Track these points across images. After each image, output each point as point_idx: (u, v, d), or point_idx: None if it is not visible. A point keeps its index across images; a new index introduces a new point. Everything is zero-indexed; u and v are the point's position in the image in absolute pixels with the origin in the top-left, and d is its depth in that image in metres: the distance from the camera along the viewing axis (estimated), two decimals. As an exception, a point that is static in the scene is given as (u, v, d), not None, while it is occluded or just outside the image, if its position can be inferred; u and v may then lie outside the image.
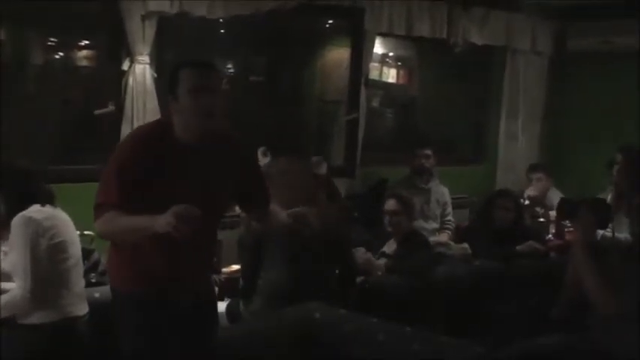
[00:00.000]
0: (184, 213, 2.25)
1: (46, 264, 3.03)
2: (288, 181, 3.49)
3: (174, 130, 2.56)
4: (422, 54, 6.68)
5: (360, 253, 4.15)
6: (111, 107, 4.61)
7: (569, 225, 4.88)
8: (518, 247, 4.65)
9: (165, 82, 2.69)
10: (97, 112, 4.64)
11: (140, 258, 2.62)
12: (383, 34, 5.81)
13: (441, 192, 5.42)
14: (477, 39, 6.15)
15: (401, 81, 6.80)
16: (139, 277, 2.64)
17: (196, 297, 2.70)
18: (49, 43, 5.35)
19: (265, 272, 3.57)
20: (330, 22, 6.05)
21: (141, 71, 4.56)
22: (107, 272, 3.15)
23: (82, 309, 3.17)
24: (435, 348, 2.78)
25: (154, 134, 2.62)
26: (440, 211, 5.39)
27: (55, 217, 3.12)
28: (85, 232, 3.30)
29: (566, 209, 3.75)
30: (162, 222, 2.27)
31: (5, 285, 3.16)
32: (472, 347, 2.73)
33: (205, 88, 2.51)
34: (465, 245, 4.87)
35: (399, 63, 6.71)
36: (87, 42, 5.43)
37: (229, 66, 5.98)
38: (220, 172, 2.63)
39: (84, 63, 5.54)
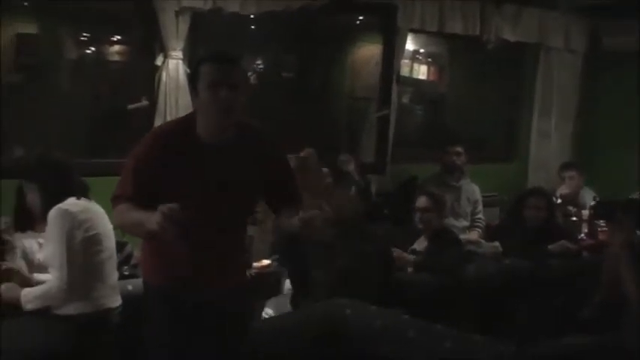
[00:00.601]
0: (168, 212, 2.20)
1: (82, 256, 3.07)
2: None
3: (197, 126, 2.55)
4: (453, 51, 6.65)
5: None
6: (144, 102, 4.66)
7: (602, 224, 4.83)
8: (550, 247, 4.61)
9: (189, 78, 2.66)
10: (130, 106, 4.69)
11: (167, 252, 2.62)
12: (414, 31, 5.78)
13: (472, 190, 5.39)
14: (510, 36, 6.10)
15: (431, 78, 6.79)
16: (167, 270, 2.66)
17: (225, 292, 2.68)
18: (82, 38, 5.42)
19: (312, 274, 3.58)
20: (360, 18, 6.04)
21: (174, 66, 4.61)
22: (139, 265, 3.19)
23: (116, 301, 3.21)
24: (466, 346, 2.78)
25: (176, 130, 2.61)
26: (470, 209, 5.36)
27: (89, 210, 3.16)
28: (117, 226, 3.33)
29: (602, 210, 3.72)
30: (152, 220, 2.25)
31: (41, 276, 3.23)
32: (503, 346, 2.71)
33: (225, 83, 2.45)
34: (496, 244, 4.83)
35: (430, 59, 6.69)
36: (120, 37, 5.50)
37: (259, 62, 6.01)
38: (244, 170, 2.59)
39: (117, 58, 5.62)
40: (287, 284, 4.07)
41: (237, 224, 2.74)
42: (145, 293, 2.78)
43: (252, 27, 5.59)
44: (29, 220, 3.33)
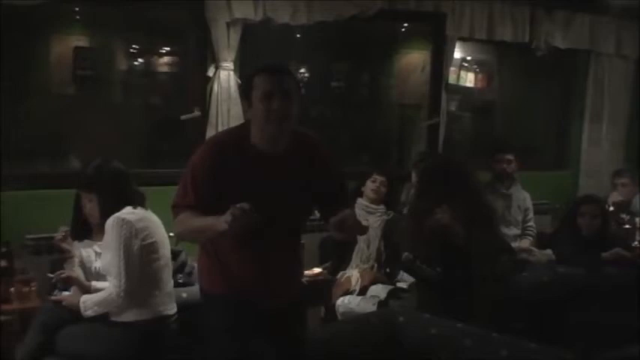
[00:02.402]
0: (240, 211, 2.27)
1: (139, 264, 3.13)
2: None
3: (252, 136, 2.59)
4: (501, 58, 6.60)
5: None
6: (197, 112, 4.72)
7: (657, 232, 4.74)
8: (604, 254, 4.53)
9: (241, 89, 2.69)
10: (183, 117, 4.75)
11: (224, 261, 2.67)
12: (463, 39, 5.76)
13: (523, 197, 5.32)
14: (560, 43, 6.03)
15: (479, 85, 6.73)
16: (223, 279, 2.70)
17: (281, 300, 2.71)
18: (132, 50, 5.52)
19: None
20: (405, 25, 6.03)
21: (225, 77, 4.67)
22: (197, 274, 3.23)
23: (172, 308, 3.26)
24: (523, 354, 2.74)
25: (231, 140, 2.65)
26: (521, 217, 5.30)
27: (146, 218, 3.23)
28: (171, 234, 3.39)
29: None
30: (221, 221, 2.32)
31: (99, 284, 3.29)
32: (562, 354, 2.68)
33: (278, 93, 2.50)
34: (549, 252, 4.77)
35: (477, 67, 6.64)
36: (170, 49, 5.58)
37: (303, 70, 6.04)
38: (298, 178, 2.62)
39: (167, 69, 5.70)
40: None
41: (293, 232, 2.77)
42: (204, 302, 2.81)
43: (303, 37, 5.62)
44: (86, 229, 3.40)
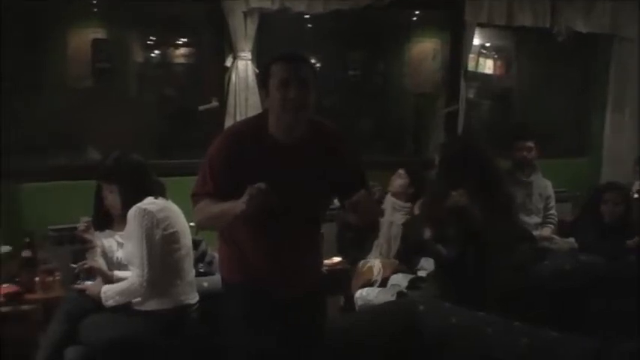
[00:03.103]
0: (253, 189, 2.30)
1: (161, 254, 3.14)
2: None
3: (269, 125, 2.58)
4: (521, 44, 6.53)
5: None
6: (214, 103, 4.73)
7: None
8: (627, 242, 4.49)
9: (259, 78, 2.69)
10: (201, 107, 4.76)
11: (241, 250, 2.68)
12: (482, 25, 5.71)
13: (544, 185, 5.26)
14: (582, 27, 5.95)
15: (498, 72, 6.68)
16: (241, 269, 2.71)
17: (298, 290, 2.70)
18: (149, 42, 5.53)
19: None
20: (417, 13, 5.99)
21: (243, 67, 4.67)
22: (218, 263, 3.24)
23: (194, 297, 3.28)
24: (545, 343, 2.72)
25: (249, 130, 2.65)
26: (542, 205, 5.24)
27: (167, 208, 3.24)
28: (191, 224, 3.40)
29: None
30: (239, 203, 2.34)
31: (121, 273, 3.31)
32: (585, 342, 2.65)
33: (294, 81, 2.48)
34: (571, 240, 4.73)
35: (496, 53, 6.59)
36: (187, 40, 5.59)
37: (314, 61, 6.02)
38: (315, 167, 2.61)
39: (184, 60, 5.71)
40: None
41: (311, 222, 2.76)
42: (224, 291, 2.82)
43: (318, 26, 5.60)
44: (108, 220, 3.43)
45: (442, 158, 3.79)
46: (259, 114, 2.74)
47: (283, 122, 2.54)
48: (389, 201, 4.43)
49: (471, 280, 3.48)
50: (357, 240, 4.46)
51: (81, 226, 3.45)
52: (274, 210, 2.34)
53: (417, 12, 5.99)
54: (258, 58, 4.77)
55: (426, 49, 6.05)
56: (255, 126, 2.63)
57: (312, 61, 5.84)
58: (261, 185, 2.30)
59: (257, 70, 4.65)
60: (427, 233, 3.66)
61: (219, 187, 2.56)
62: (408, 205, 4.41)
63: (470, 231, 3.48)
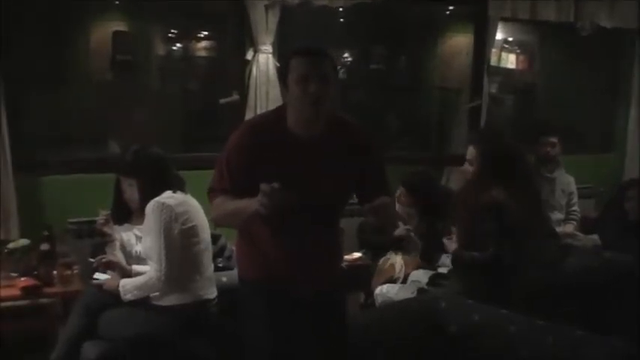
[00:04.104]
0: (269, 189, 2.25)
1: (179, 248, 3.12)
2: None
3: (288, 120, 2.54)
4: (544, 38, 6.46)
5: None
6: (235, 96, 4.71)
7: None
8: (652, 240, 4.41)
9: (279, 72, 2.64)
10: (222, 101, 4.75)
11: (259, 248, 2.64)
12: (505, 19, 5.64)
13: (567, 181, 5.21)
14: (606, 22, 5.86)
15: (521, 66, 6.61)
16: (258, 266, 2.68)
17: (316, 287, 2.66)
18: (171, 35, 5.53)
19: None
20: (451, 8, 5.93)
21: (264, 60, 4.64)
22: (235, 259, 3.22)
23: (212, 292, 3.26)
24: (570, 342, 2.67)
25: (267, 123, 2.62)
26: (565, 201, 5.19)
27: (186, 202, 3.22)
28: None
29: None
30: (254, 201, 2.30)
31: (139, 268, 3.30)
32: (611, 341, 2.60)
33: (314, 75, 2.44)
34: (595, 237, 4.67)
35: (519, 48, 6.51)
36: (208, 33, 5.57)
37: (347, 55, 5.99)
38: (335, 162, 2.57)
39: (205, 54, 5.70)
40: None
41: (330, 218, 2.72)
42: (241, 288, 2.79)
43: (341, 20, 5.56)
44: (126, 213, 3.41)
45: (481, 154, 3.71)
46: (278, 107, 2.69)
47: (302, 117, 2.51)
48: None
49: (503, 279, 3.43)
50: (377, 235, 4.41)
51: (100, 219, 3.45)
52: (291, 207, 2.29)
53: (450, 7, 5.91)
54: (280, 52, 4.74)
55: (460, 43, 5.98)
56: (273, 120, 2.60)
57: (346, 55, 5.87)
58: (275, 185, 2.26)
59: (278, 64, 4.61)
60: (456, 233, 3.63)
61: (236, 182, 2.53)
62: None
63: (505, 228, 3.44)
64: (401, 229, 4.12)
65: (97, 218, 3.46)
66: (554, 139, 5.13)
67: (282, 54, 4.70)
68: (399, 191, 4.22)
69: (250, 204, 2.35)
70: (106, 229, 3.43)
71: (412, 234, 4.16)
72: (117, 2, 5.11)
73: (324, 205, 2.59)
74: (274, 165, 2.49)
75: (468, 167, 3.71)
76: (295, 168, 2.49)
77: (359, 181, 2.64)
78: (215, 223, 2.97)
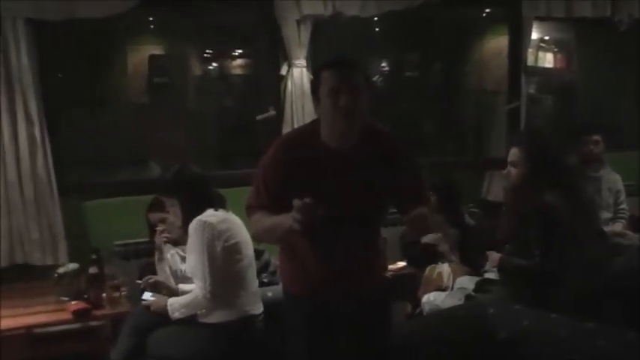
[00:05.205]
0: (301, 205, 2.24)
1: (223, 265, 3.14)
2: None
3: (322, 133, 2.54)
4: (581, 35, 6.37)
5: None
6: (271, 112, 4.73)
7: None
8: None
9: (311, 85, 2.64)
10: (258, 117, 4.77)
11: (300, 261, 2.64)
12: (540, 18, 5.57)
13: (614, 179, 5.09)
14: (645, 15, 5.75)
15: (558, 65, 6.54)
16: (299, 280, 2.68)
17: (358, 299, 2.65)
18: (206, 55, 5.59)
19: None
20: (487, 11, 5.89)
21: (298, 74, 4.66)
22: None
23: (258, 308, 3.27)
24: (622, 345, 2.61)
25: (301, 138, 2.62)
26: (612, 200, 5.07)
27: (228, 220, 3.24)
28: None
29: None
30: (288, 217, 2.29)
31: (186, 287, 3.33)
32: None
33: (345, 88, 2.43)
34: (646, 235, 4.57)
35: (556, 46, 6.43)
36: (242, 51, 5.62)
37: (384, 64, 5.98)
38: (370, 172, 2.55)
39: (240, 71, 5.75)
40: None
41: (369, 228, 2.70)
42: (284, 303, 2.79)
43: (377, 29, 5.56)
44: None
45: (529, 157, 3.66)
46: (312, 121, 2.69)
47: (335, 129, 2.50)
48: None
49: (552, 283, 3.37)
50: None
51: (160, 228, 3.49)
52: (323, 220, 2.27)
53: (486, 9, 5.87)
54: (314, 65, 4.75)
55: (497, 45, 5.93)
56: (307, 133, 2.61)
57: (383, 64, 5.86)
58: (307, 200, 2.24)
59: (312, 77, 4.61)
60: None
61: (271, 197, 2.54)
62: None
63: (556, 232, 3.39)
64: (429, 237, 4.08)
65: (140, 240, 3.50)
66: (597, 137, 5.03)
67: (316, 67, 4.71)
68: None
69: (285, 220, 2.34)
70: (165, 246, 3.47)
71: (442, 242, 4.12)
72: (152, 27, 5.19)
73: (359, 215, 2.57)
74: (308, 178, 2.49)
75: (511, 170, 3.64)
76: (328, 180, 2.49)
77: (393, 189, 2.61)
78: (254, 239, 2.99)
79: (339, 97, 2.43)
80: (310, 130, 2.60)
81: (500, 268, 3.61)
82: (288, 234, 2.44)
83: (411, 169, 2.67)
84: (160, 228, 3.52)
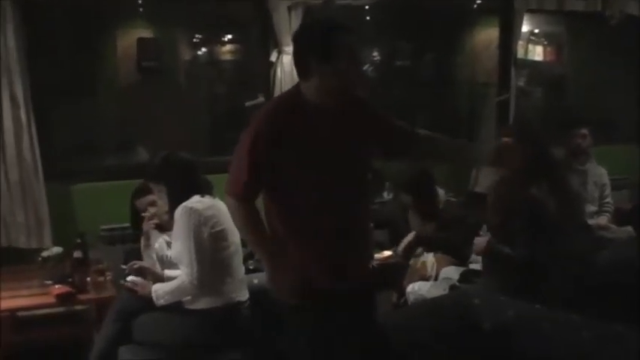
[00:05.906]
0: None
1: (209, 252, 3.13)
2: None
3: (305, 94, 2.50)
4: (571, 29, 6.37)
5: None
6: (260, 98, 4.71)
7: None
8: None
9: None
10: (247, 103, 4.76)
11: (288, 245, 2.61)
12: (532, 11, 5.58)
13: (599, 173, 5.12)
14: (635, 10, 5.77)
15: (548, 58, 6.53)
16: (290, 263, 2.63)
17: (352, 283, 2.60)
18: (195, 40, 5.54)
19: None
20: (478, 2, 5.88)
21: (288, 61, 4.63)
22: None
23: (244, 295, 3.26)
24: (607, 337, 2.63)
25: (287, 101, 2.60)
26: (598, 194, 5.10)
27: (214, 206, 3.22)
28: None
29: None
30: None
31: (171, 272, 3.32)
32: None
33: (358, 55, 2.51)
34: (629, 228, 4.58)
35: (546, 39, 6.43)
36: (232, 37, 5.58)
37: (375, 54, 5.96)
38: (359, 122, 2.58)
39: (229, 57, 5.72)
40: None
41: (364, 197, 2.71)
42: (279, 310, 2.68)
43: (368, 17, 5.53)
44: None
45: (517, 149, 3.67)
46: (294, 86, 2.63)
47: (337, 91, 2.48)
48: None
49: (537, 274, 3.39)
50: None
51: (149, 223, 3.48)
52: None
53: (477, 0, 5.87)
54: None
55: (488, 37, 5.93)
56: (290, 97, 2.59)
57: (374, 54, 5.83)
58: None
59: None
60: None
61: (255, 172, 2.48)
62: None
63: (542, 224, 3.40)
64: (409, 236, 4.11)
65: (126, 224, 3.49)
66: (584, 131, 5.05)
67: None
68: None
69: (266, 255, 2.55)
70: (152, 231, 3.46)
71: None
72: (141, 10, 5.14)
73: (352, 172, 2.58)
74: (299, 137, 2.46)
75: None
76: (318, 138, 2.48)
77: (384, 136, 2.69)
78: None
79: (356, 61, 2.50)
80: (295, 92, 2.57)
81: (487, 252, 3.61)
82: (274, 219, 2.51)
83: (389, 118, 2.74)
84: (148, 213, 3.50)
